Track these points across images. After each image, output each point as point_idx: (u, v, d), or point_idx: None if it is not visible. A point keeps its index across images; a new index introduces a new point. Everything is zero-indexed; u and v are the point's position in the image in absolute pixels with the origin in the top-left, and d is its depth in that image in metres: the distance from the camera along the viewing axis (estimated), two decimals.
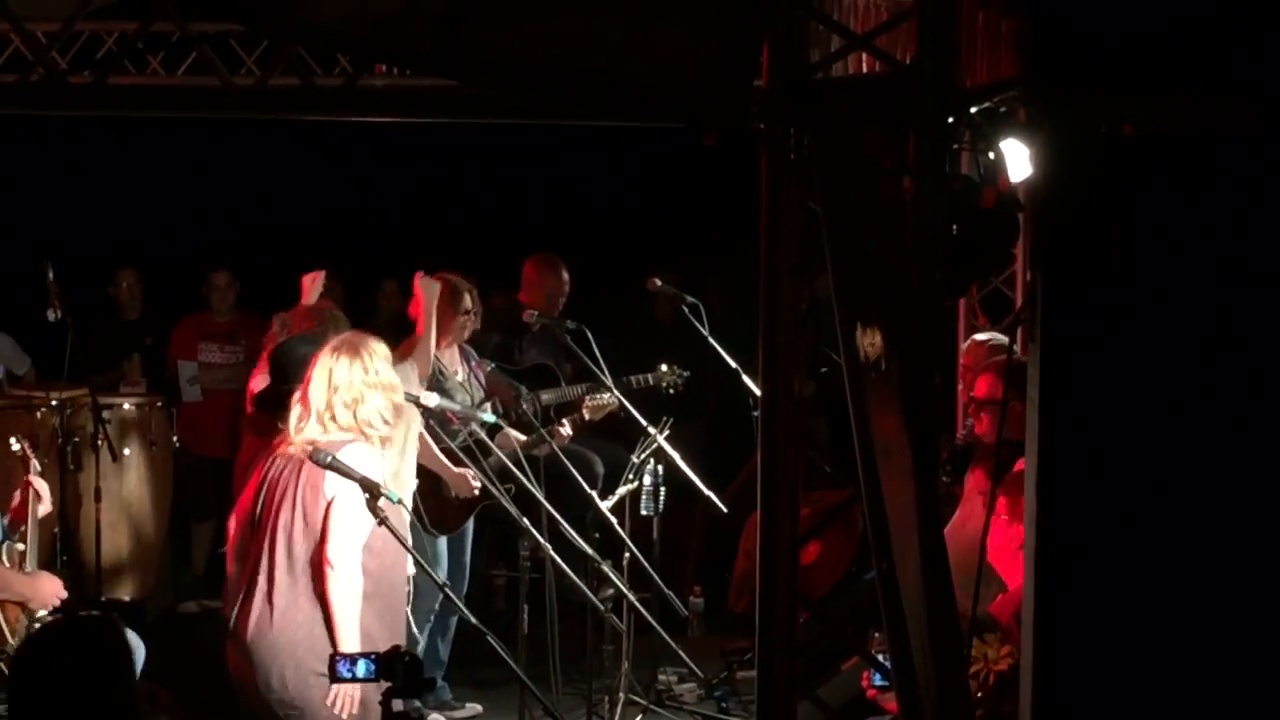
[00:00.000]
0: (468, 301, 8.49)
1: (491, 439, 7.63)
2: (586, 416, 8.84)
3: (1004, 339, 8.63)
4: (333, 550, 6.03)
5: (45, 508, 7.39)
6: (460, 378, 8.54)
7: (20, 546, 7.23)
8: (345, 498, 6.06)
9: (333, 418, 6.17)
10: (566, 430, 8.40)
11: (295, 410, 6.24)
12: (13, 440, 7.89)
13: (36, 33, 6.65)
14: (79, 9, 6.53)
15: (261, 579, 6.12)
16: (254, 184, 12.00)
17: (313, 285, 8.21)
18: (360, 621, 6.06)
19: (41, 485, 7.39)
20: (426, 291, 8.19)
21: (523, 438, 7.80)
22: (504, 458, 6.84)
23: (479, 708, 8.69)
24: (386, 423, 6.26)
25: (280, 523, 6.12)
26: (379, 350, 6.32)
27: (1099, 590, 4.98)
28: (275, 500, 6.17)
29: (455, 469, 8.23)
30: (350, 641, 5.99)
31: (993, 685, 5.69)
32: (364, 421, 6.19)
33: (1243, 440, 4.96)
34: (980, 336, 8.82)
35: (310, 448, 6.06)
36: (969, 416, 8.70)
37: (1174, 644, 4.97)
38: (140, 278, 10.96)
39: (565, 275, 9.64)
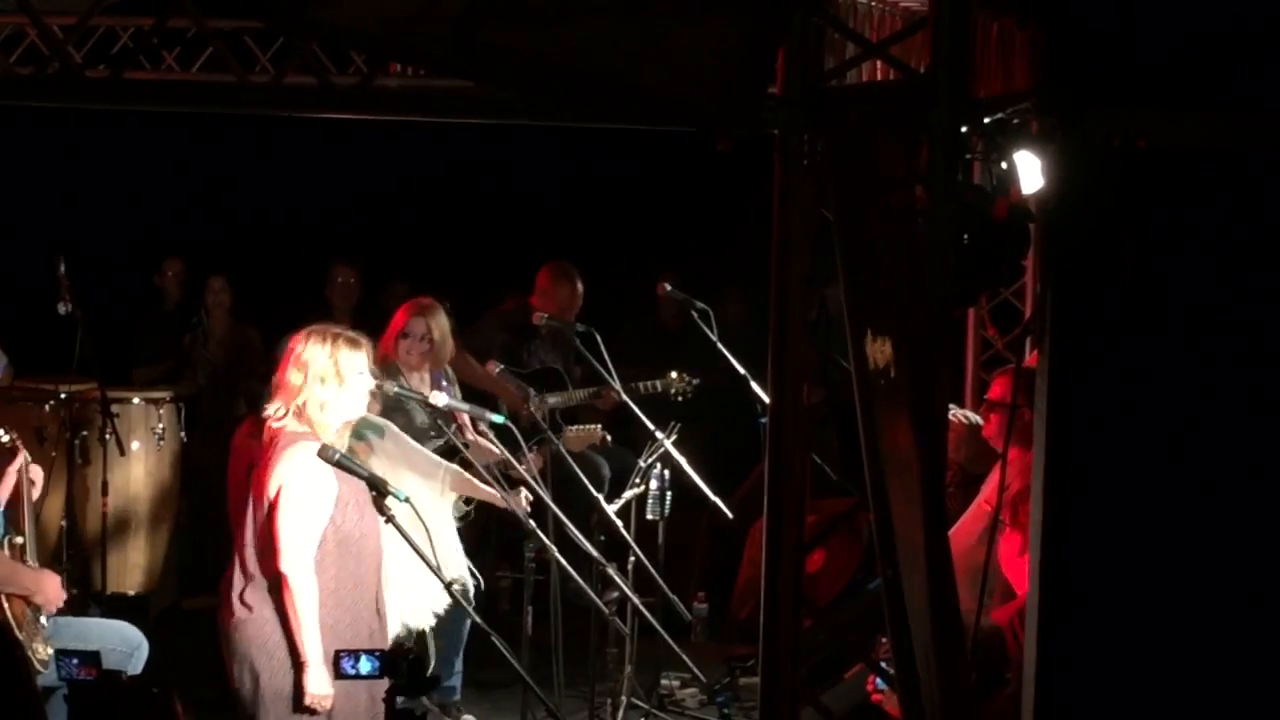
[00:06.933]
0: (416, 326, 8.29)
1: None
2: (567, 448, 8.67)
3: (975, 417, 8.58)
4: (284, 562, 5.95)
5: (38, 491, 7.37)
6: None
7: (20, 540, 7.20)
8: (289, 493, 5.96)
9: (302, 408, 6.04)
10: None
11: (276, 400, 6.11)
12: (0, 431, 7.86)
13: (53, 26, 6.67)
14: (95, 4, 6.54)
15: (233, 573, 6.08)
16: (261, 182, 12.00)
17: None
18: (321, 617, 6.00)
19: (35, 470, 7.38)
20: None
21: (495, 450, 7.58)
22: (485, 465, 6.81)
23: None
24: (343, 420, 6.12)
25: (245, 519, 6.06)
26: (360, 343, 6.16)
27: (1103, 601, 4.99)
28: (243, 494, 6.10)
29: None
30: (311, 648, 5.94)
31: None
32: (317, 407, 6.05)
33: (1250, 452, 4.97)
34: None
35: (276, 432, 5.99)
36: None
37: (1177, 655, 4.98)
38: (185, 266, 11.01)
39: (579, 285, 9.63)
